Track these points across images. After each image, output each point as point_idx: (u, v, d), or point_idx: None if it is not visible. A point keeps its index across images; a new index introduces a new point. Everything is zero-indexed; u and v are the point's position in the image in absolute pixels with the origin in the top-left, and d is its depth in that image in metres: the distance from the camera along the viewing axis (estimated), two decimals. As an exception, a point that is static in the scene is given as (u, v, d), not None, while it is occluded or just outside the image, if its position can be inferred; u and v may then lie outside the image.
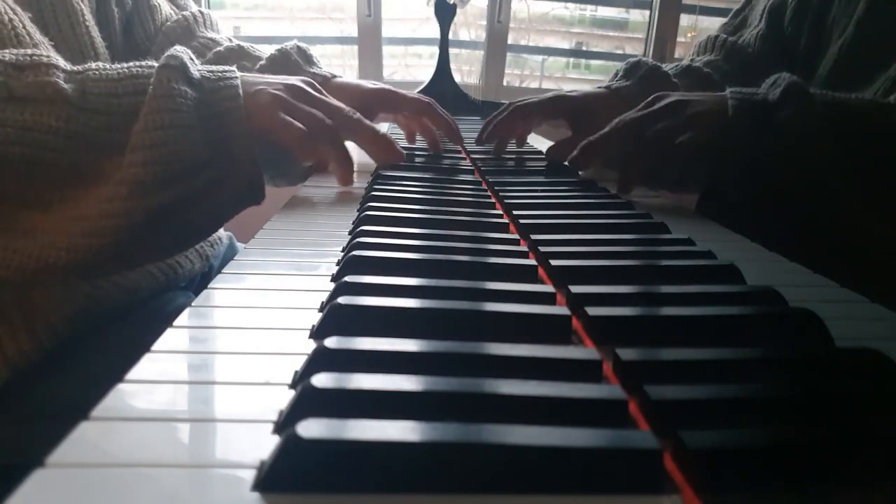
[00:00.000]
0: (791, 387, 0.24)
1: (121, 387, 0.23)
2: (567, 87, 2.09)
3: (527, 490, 0.18)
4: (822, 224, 0.50)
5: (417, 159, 0.70)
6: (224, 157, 0.47)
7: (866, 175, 0.49)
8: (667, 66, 0.77)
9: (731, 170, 0.53)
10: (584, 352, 0.26)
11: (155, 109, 0.44)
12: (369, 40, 1.71)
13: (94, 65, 0.47)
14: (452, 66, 1.37)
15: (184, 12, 0.78)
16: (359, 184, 0.59)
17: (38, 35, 0.54)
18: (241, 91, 0.49)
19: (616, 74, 0.77)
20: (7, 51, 0.45)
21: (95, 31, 0.63)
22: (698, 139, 0.54)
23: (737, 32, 0.85)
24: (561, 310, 0.29)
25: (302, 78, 0.58)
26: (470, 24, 1.88)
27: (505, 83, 1.80)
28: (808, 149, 0.50)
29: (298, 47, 0.73)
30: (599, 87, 0.77)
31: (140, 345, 0.25)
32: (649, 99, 0.60)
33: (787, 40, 0.77)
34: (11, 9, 0.53)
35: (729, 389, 0.22)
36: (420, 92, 1.32)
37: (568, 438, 0.19)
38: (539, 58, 2.07)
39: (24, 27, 0.53)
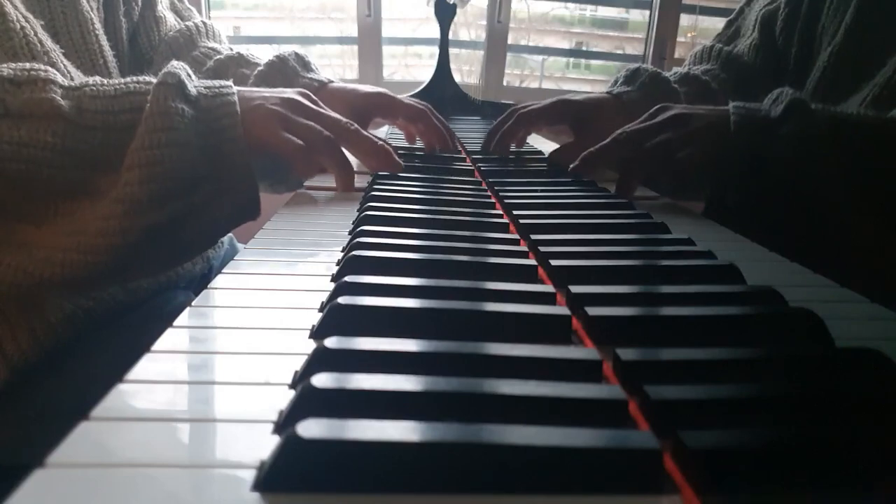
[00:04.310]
0: (791, 387, 0.24)
1: (121, 387, 0.23)
2: (567, 87, 2.09)
3: (527, 490, 0.18)
4: (822, 235, 0.51)
5: (417, 160, 0.70)
6: (221, 174, 0.47)
7: (868, 191, 0.50)
8: (666, 74, 0.77)
9: (732, 184, 0.53)
10: (584, 352, 0.26)
11: (151, 128, 0.44)
12: (369, 40, 1.71)
13: (90, 80, 0.47)
14: (452, 66, 1.37)
15: (187, 23, 0.79)
16: (359, 184, 0.59)
17: (49, 42, 0.54)
18: (238, 108, 0.49)
19: (616, 81, 0.78)
20: (4, 65, 0.45)
21: (104, 40, 0.64)
22: (699, 154, 0.55)
23: (731, 42, 0.86)
24: (561, 310, 0.29)
25: (298, 90, 0.58)
26: (470, 24, 1.88)
27: (505, 83, 1.80)
28: (810, 165, 0.50)
29: (296, 54, 0.74)
30: (601, 93, 0.77)
31: (140, 345, 0.25)
32: (652, 110, 0.60)
33: (779, 50, 0.78)
34: (24, 16, 0.53)
35: (729, 389, 0.22)
36: (420, 92, 1.33)
37: (568, 438, 0.19)
38: (539, 58, 2.07)
39: (35, 34, 0.53)
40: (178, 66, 0.47)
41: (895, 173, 0.50)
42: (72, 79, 0.54)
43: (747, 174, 0.52)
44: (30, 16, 0.54)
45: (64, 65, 0.55)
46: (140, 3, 0.73)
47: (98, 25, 0.63)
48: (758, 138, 0.52)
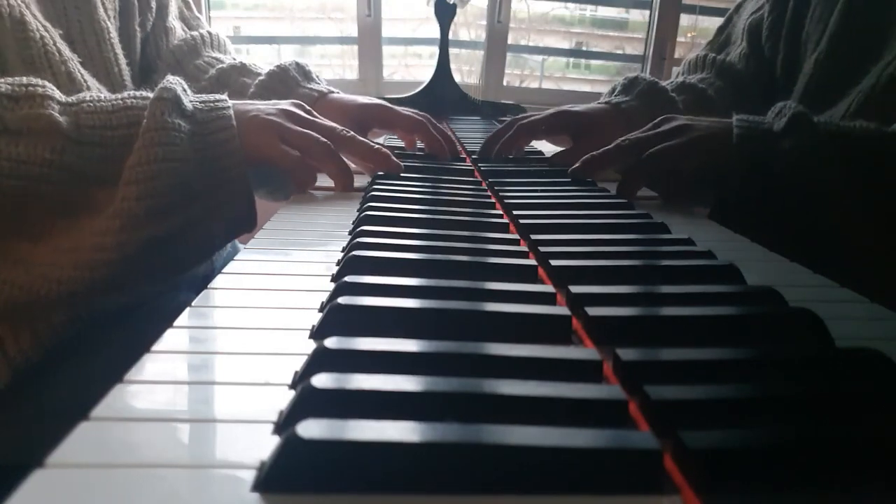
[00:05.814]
0: (791, 387, 0.24)
1: (121, 387, 0.23)
2: (567, 88, 2.09)
3: (527, 490, 0.18)
4: (824, 247, 0.51)
5: (417, 160, 0.70)
6: (218, 187, 0.48)
7: (871, 204, 0.50)
8: (663, 83, 0.77)
9: (734, 197, 0.54)
10: (584, 352, 0.26)
11: (148, 143, 0.44)
12: (369, 40, 1.71)
13: (88, 95, 0.47)
14: (452, 66, 1.36)
15: (192, 33, 0.79)
16: (359, 184, 0.59)
17: (67, 51, 0.55)
18: (234, 121, 0.49)
19: (614, 90, 0.78)
20: (2, 80, 0.45)
21: (119, 49, 0.65)
22: (700, 164, 0.55)
23: (723, 50, 0.87)
24: (561, 310, 0.29)
25: (293, 101, 0.58)
26: (470, 24, 1.88)
27: (505, 83, 1.80)
28: (812, 178, 0.50)
29: (297, 63, 0.75)
30: (599, 103, 0.77)
31: (140, 345, 0.25)
32: (657, 120, 0.61)
33: (766, 58, 0.79)
34: (43, 25, 0.53)
35: (729, 389, 0.22)
36: (420, 92, 1.33)
37: (568, 439, 0.19)
38: (539, 58, 2.07)
39: (54, 44, 0.53)
40: (174, 81, 0.48)
41: None
42: (88, 88, 0.55)
43: (749, 187, 0.53)
44: (48, 25, 0.54)
45: (81, 74, 0.56)
46: (154, 14, 0.74)
47: (114, 34, 0.64)
48: (760, 151, 0.53)
